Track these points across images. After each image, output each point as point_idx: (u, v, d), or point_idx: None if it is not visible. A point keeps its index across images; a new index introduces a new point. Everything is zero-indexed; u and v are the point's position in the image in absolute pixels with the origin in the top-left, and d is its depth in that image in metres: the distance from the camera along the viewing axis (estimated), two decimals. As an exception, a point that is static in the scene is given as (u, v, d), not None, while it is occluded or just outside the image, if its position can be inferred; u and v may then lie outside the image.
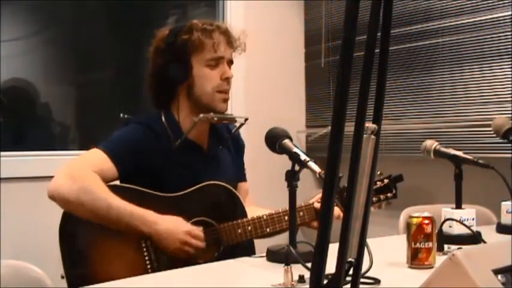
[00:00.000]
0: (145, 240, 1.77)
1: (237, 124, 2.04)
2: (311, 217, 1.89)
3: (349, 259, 0.79)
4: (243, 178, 2.13)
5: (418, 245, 1.51)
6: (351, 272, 0.80)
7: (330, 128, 0.73)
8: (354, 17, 0.71)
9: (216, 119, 1.90)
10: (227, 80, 1.92)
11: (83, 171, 1.77)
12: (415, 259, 1.52)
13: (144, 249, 1.78)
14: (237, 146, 2.12)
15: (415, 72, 3.01)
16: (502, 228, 2.07)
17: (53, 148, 2.78)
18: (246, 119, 1.99)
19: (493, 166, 1.94)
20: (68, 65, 3.10)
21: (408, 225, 1.55)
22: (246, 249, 1.86)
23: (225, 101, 1.93)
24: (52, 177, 1.76)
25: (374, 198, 1.91)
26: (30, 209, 2.58)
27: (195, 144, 1.95)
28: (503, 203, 2.07)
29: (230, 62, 1.96)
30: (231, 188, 1.90)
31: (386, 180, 1.95)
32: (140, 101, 2.93)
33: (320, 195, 1.64)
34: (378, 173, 1.93)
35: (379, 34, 0.79)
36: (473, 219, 1.90)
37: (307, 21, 3.64)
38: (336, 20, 3.44)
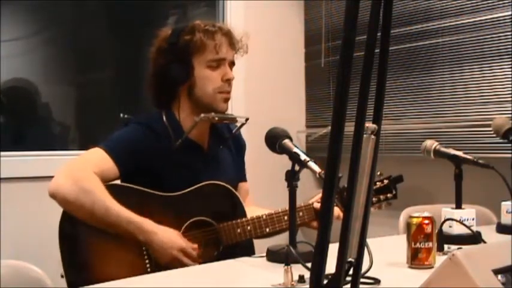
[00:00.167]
0: (145, 240, 1.77)
1: (238, 124, 2.04)
2: (311, 217, 1.89)
3: (349, 259, 0.79)
4: (243, 178, 2.13)
5: (418, 245, 1.51)
6: (351, 272, 0.80)
7: (330, 128, 0.73)
8: (354, 17, 0.71)
9: (216, 118, 1.90)
10: (228, 81, 1.92)
11: (84, 171, 1.77)
12: (415, 259, 1.52)
13: (144, 248, 1.78)
14: (238, 146, 2.12)
15: (415, 72, 3.01)
16: (502, 228, 2.07)
17: (53, 148, 2.78)
18: (247, 119, 1.99)
19: (493, 166, 1.94)
20: (68, 65, 3.10)
21: (408, 225, 1.55)
22: (246, 249, 1.86)
23: (226, 100, 1.93)
24: (52, 177, 1.76)
25: (374, 199, 1.91)
26: (30, 209, 2.57)
27: (195, 144, 1.95)
28: (503, 203, 2.07)
29: (232, 64, 1.96)
30: (230, 187, 1.90)
31: (386, 181, 1.95)
32: (140, 101, 2.93)
33: (320, 195, 1.64)
34: (378, 173, 1.93)
35: (379, 34, 0.79)
36: (473, 219, 1.90)
37: (307, 21, 3.64)
38: (336, 20, 3.44)
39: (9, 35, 2.75)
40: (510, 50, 2.60)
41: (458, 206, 1.96)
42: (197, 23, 1.92)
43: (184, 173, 1.90)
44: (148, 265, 1.77)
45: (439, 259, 1.50)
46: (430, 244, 1.51)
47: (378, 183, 1.93)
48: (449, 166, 2.02)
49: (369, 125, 0.81)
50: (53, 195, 1.74)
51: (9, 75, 2.76)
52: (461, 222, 1.85)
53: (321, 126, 3.51)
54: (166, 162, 1.87)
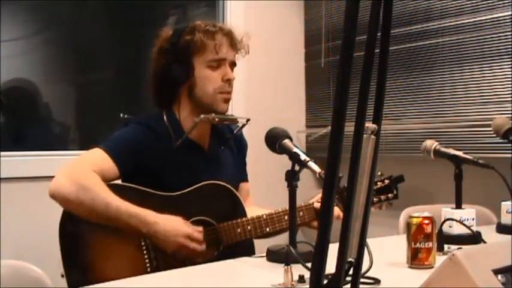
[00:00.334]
0: (144, 239, 1.77)
1: (239, 124, 2.03)
2: (311, 217, 1.89)
3: (349, 259, 0.79)
4: (244, 178, 2.13)
5: (418, 245, 1.51)
6: (351, 272, 0.80)
7: (330, 128, 0.73)
8: (354, 17, 0.71)
9: (217, 119, 1.90)
10: (228, 81, 1.92)
11: (83, 171, 1.77)
12: (415, 259, 1.52)
13: (144, 248, 1.78)
14: (240, 146, 2.12)
15: (415, 72, 3.01)
16: (502, 228, 2.07)
17: (53, 148, 2.78)
18: (248, 120, 1.98)
19: (493, 166, 1.94)
20: (68, 65, 3.10)
21: (408, 225, 1.55)
22: (246, 249, 1.86)
23: (226, 101, 1.93)
24: (52, 177, 1.76)
25: (375, 199, 1.91)
26: (30, 209, 2.57)
27: (195, 144, 1.95)
28: (503, 203, 2.07)
29: (233, 64, 1.95)
30: (230, 187, 1.90)
31: (387, 181, 1.95)
32: (140, 101, 2.93)
33: (320, 195, 1.64)
34: (379, 173, 1.93)
35: (379, 34, 0.79)
36: (473, 219, 1.90)
37: (307, 21, 3.64)
38: (336, 20, 3.44)
39: (9, 35, 2.75)
40: (510, 50, 2.60)
41: (458, 206, 1.97)
42: (198, 23, 1.92)
43: (185, 173, 1.90)
44: (148, 264, 1.77)
45: (439, 259, 1.50)
46: (430, 244, 1.51)
47: (378, 183, 1.93)
48: (449, 166, 2.02)
49: (369, 125, 0.81)
50: (53, 196, 1.74)
51: (9, 76, 2.76)
52: (461, 222, 1.85)
53: (321, 126, 3.51)
54: (166, 162, 1.87)
